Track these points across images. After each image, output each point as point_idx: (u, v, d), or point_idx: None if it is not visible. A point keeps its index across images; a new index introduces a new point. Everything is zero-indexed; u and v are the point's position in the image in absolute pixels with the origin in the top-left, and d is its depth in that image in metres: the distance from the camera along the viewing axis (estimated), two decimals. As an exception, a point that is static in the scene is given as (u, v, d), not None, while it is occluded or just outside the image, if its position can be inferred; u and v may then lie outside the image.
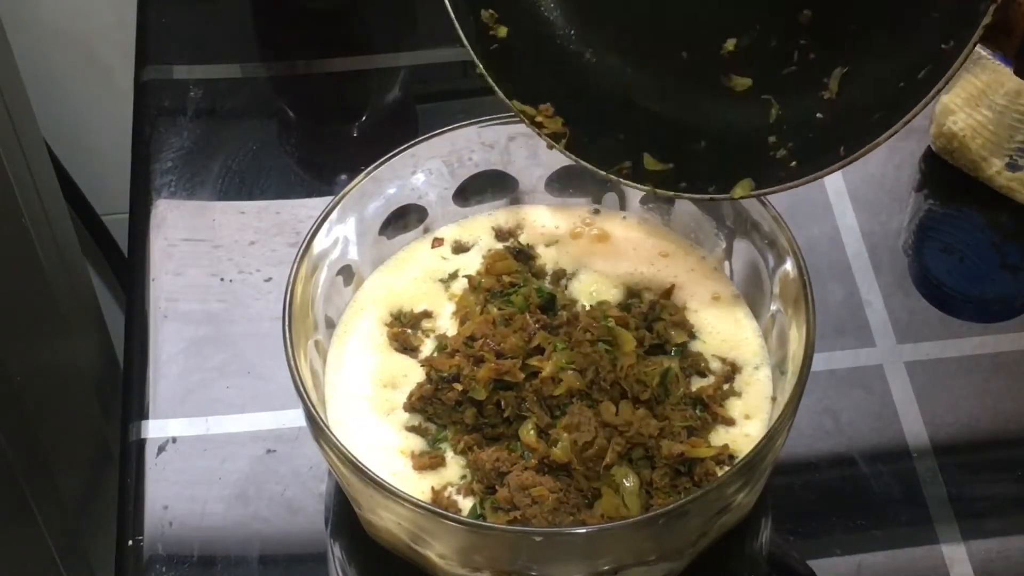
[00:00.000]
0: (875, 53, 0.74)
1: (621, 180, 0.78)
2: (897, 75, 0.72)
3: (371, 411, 0.78)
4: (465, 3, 0.77)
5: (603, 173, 0.78)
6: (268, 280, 0.92)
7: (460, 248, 0.85)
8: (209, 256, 0.93)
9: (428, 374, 0.78)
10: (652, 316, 0.80)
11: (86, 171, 1.33)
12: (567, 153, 0.78)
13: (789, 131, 0.76)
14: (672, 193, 0.78)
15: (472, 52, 0.77)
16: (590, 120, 0.79)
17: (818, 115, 0.76)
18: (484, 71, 0.77)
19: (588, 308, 0.81)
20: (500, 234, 0.86)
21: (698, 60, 0.79)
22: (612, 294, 0.82)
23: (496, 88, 0.78)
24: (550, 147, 0.79)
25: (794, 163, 0.75)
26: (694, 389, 0.78)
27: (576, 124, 0.79)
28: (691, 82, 0.79)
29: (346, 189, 0.81)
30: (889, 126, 0.71)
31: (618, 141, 0.79)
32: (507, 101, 0.78)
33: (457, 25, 0.77)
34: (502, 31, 0.78)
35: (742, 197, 0.76)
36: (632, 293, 0.82)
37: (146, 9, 1.09)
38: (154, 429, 0.85)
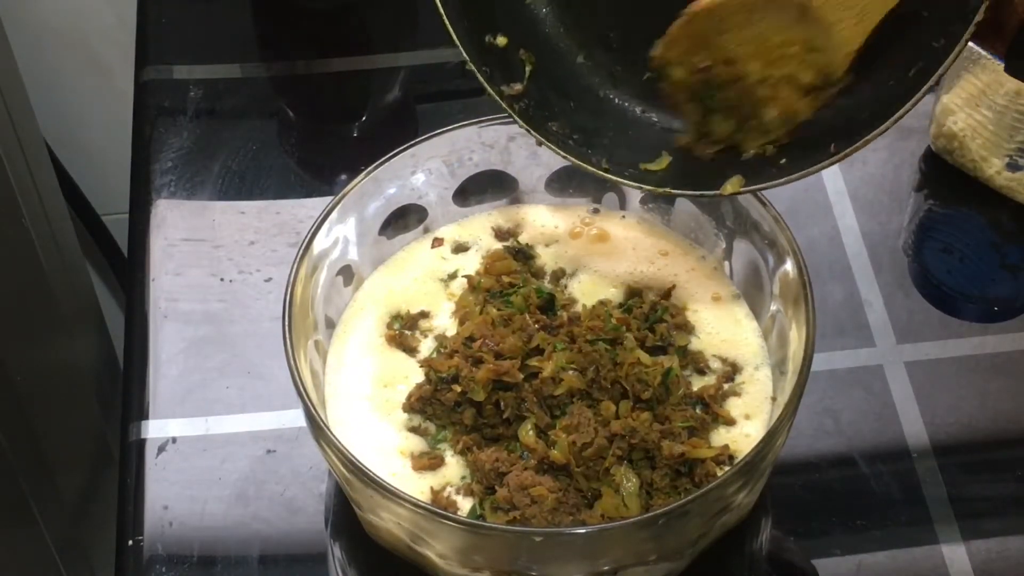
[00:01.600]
0: (866, 54, 0.74)
1: (621, 180, 0.78)
2: (887, 74, 0.72)
3: (371, 411, 0.78)
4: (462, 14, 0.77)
5: (602, 173, 0.78)
6: (268, 280, 0.92)
7: (460, 248, 0.85)
8: (209, 256, 0.93)
9: (427, 375, 0.78)
10: (654, 317, 0.80)
11: (86, 171, 1.33)
12: (565, 155, 0.78)
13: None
14: (662, 191, 0.77)
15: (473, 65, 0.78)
16: (583, 120, 0.79)
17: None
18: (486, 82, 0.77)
19: (591, 308, 0.81)
20: (500, 234, 0.86)
21: None
22: (612, 294, 0.82)
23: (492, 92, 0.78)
24: (539, 144, 0.78)
25: (783, 160, 0.75)
26: (695, 389, 0.78)
27: (569, 123, 0.79)
28: None
29: (346, 189, 0.81)
30: (878, 125, 0.71)
31: (609, 139, 0.79)
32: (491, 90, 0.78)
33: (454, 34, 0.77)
34: (502, 40, 0.79)
35: (732, 194, 0.76)
36: (632, 293, 0.82)
37: (146, 9, 1.09)
38: (154, 429, 0.85)
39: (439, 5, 0.76)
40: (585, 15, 0.80)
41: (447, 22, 0.76)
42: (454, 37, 0.76)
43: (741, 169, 0.76)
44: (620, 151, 0.79)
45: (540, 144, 0.78)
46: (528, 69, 0.78)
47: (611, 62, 0.80)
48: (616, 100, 0.81)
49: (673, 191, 0.78)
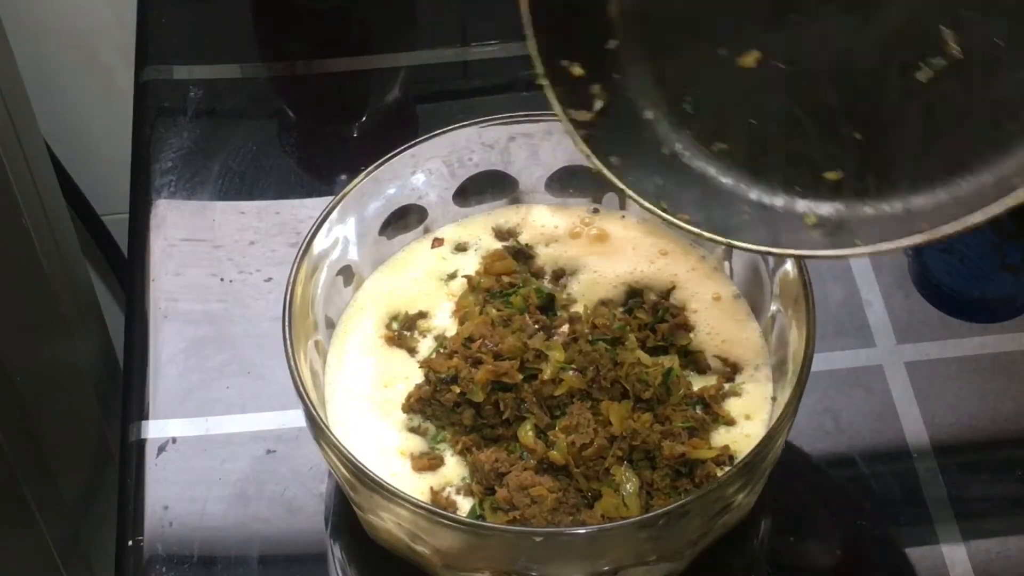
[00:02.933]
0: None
1: (678, 223, 0.75)
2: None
3: (371, 411, 0.78)
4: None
5: (660, 212, 0.75)
6: (268, 280, 0.92)
7: (460, 248, 0.85)
8: (209, 256, 0.93)
9: (426, 375, 0.78)
10: (656, 318, 0.80)
11: (86, 171, 1.33)
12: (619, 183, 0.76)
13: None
14: (724, 241, 0.74)
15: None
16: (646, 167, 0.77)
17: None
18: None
19: (593, 308, 0.81)
20: (500, 234, 0.86)
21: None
22: (612, 293, 0.82)
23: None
24: (588, 158, 0.76)
25: (817, 233, 0.72)
26: (695, 389, 0.78)
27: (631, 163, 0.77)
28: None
29: (346, 189, 0.81)
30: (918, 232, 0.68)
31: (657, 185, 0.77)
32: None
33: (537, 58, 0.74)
34: (577, 71, 0.76)
35: (747, 249, 0.73)
36: (632, 293, 0.82)
37: (146, 9, 1.09)
38: (154, 429, 0.85)
39: (526, 21, 0.73)
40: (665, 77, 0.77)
41: (529, 34, 0.73)
42: (532, 52, 0.74)
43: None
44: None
45: (598, 172, 0.76)
46: (599, 104, 0.76)
47: (680, 127, 0.77)
48: (682, 159, 0.77)
49: (734, 243, 0.73)
